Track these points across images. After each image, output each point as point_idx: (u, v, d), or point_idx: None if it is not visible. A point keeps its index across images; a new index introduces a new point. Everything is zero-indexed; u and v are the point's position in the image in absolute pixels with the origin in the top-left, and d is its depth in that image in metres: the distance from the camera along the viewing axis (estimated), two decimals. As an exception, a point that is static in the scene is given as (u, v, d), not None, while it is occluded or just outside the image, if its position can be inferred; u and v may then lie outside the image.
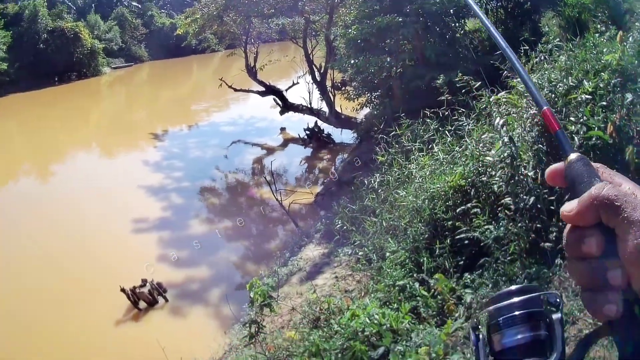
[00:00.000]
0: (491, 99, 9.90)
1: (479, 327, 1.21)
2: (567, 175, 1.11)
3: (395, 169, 11.76)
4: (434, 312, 7.49)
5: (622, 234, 0.96)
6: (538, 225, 7.55)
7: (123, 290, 13.47)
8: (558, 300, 1.11)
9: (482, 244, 7.95)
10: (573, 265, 1.05)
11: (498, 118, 8.82)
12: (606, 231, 1.00)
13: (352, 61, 18.82)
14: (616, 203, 0.97)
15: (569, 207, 1.04)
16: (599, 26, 12.15)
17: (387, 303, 7.96)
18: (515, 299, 1.14)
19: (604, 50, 9.62)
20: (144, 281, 13.93)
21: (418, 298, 7.82)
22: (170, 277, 15.12)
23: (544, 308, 1.13)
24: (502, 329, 1.13)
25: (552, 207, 7.55)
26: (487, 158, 8.70)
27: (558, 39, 11.08)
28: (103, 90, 61.83)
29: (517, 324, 1.12)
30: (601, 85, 8.59)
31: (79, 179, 26.89)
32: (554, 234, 7.28)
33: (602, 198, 0.99)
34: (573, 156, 1.10)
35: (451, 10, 18.10)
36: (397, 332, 6.81)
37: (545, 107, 1.21)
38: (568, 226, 1.06)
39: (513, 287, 1.18)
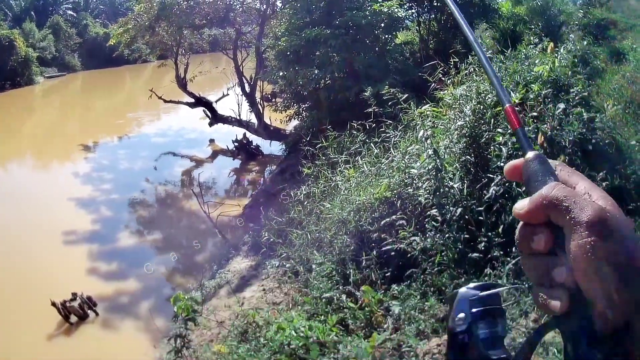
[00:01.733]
0: (417, 111, 9.93)
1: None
2: (523, 172, 1.13)
3: (321, 181, 11.74)
4: (362, 324, 7.45)
5: (568, 234, 0.99)
6: (466, 236, 7.62)
7: (54, 304, 13.13)
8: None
9: (409, 255, 7.94)
10: (524, 261, 1.08)
11: (422, 131, 8.82)
12: (555, 229, 1.02)
13: (282, 73, 18.80)
14: (564, 204, 1.00)
15: (521, 205, 1.06)
16: (532, 38, 12.26)
17: (315, 315, 7.93)
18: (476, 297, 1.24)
19: (536, 61, 9.89)
20: (74, 295, 13.65)
21: (345, 310, 7.80)
22: (100, 291, 14.78)
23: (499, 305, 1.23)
24: (460, 327, 1.22)
25: (481, 218, 7.63)
26: (413, 170, 8.73)
27: (490, 51, 11.16)
28: (36, 99, 60.95)
29: (478, 320, 1.20)
30: (531, 96, 8.78)
31: (8, 190, 26.17)
32: (483, 244, 7.35)
33: (551, 198, 1.02)
34: (530, 154, 1.13)
35: (382, 23, 18.17)
36: (325, 344, 6.73)
37: (507, 105, 1.22)
38: (520, 223, 1.08)
39: (475, 284, 1.28)
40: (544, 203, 1.02)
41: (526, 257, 1.07)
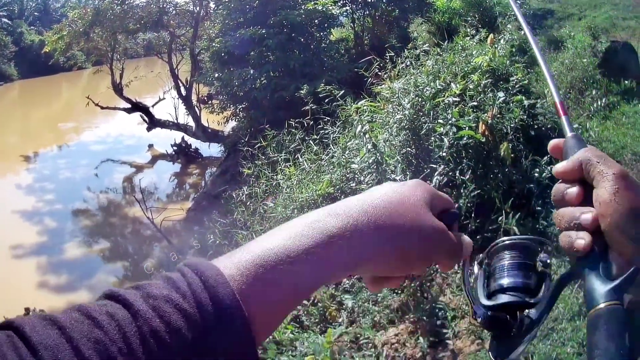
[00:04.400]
0: (353, 107, 9.96)
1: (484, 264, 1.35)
2: (563, 147, 1.30)
3: (262, 181, 11.71)
4: (317, 320, 7.38)
5: (597, 185, 1.14)
6: None
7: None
8: (549, 260, 1.26)
9: None
10: (557, 212, 1.21)
11: (360, 126, 8.82)
12: (586, 187, 1.18)
13: (217, 74, 18.86)
14: (596, 161, 1.16)
15: (560, 165, 1.23)
16: (469, 30, 12.35)
17: None
18: (513, 251, 1.30)
19: (474, 52, 10.13)
20: (27, 310, 13.42)
21: (298, 307, 7.66)
22: (52, 304, 14.43)
23: (536, 263, 1.27)
24: (497, 273, 1.28)
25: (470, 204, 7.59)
26: (354, 165, 8.75)
27: (427, 45, 11.20)
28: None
29: (511, 269, 1.26)
30: (471, 86, 8.89)
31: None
32: (474, 226, 7.32)
33: (586, 157, 1.18)
34: (570, 134, 1.31)
35: (316, 21, 18.38)
36: (281, 343, 6.66)
37: (558, 101, 1.45)
38: (558, 182, 1.24)
39: (513, 238, 1.32)
40: (580, 160, 1.18)
41: (559, 204, 1.22)
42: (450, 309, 6.62)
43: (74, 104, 49.70)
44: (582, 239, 1.10)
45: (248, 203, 11.62)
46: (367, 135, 8.51)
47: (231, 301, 0.82)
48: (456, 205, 1.24)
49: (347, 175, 8.98)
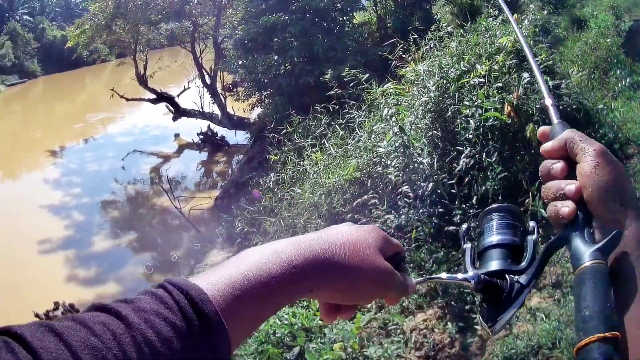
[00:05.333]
0: (378, 90, 9.91)
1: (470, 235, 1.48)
2: (550, 133, 1.39)
3: (289, 167, 11.74)
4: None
5: (579, 161, 1.24)
6: (440, 210, 7.67)
7: (37, 315, 12.91)
8: (535, 226, 1.36)
9: None
10: (544, 186, 1.31)
11: (386, 109, 8.77)
12: (569, 163, 1.28)
13: (241, 62, 18.72)
14: (579, 139, 1.27)
15: (548, 144, 1.34)
16: (491, 11, 12.23)
17: (297, 302, 7.81)
18: (500, 213, 1.41)
19: (497, 33, 9.86)
20: (57, 304, 13.45)
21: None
22: (81, 297, 14.51)
23: (522, 227, 1.38)
24: (486, 232, 1.39)
25: (453, 191, 7.64)
26: (380, 149, 8.72)
27: (450, 26, 11.12)
28: (-1, 108, 60.85)
29: (500, 228, 1.37)
30: (495, 67, 8.74)
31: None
32: (458, 217, 7.38)
33: (570, 136, 1.29)
34: (557, 121, 1.41)
35: (338, 5, 18.24)
36: (310, 330, 6.73)
37: (545, 90, 1.56)
38: (546, 160, 1.34)
39: (500, 205, 1.44)
40: (565, 139, 1.29)
41: (545, 177, 1.32)
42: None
43: (99, 97, 49.70)
44: (566, 207, 1.22)
45: (275, 190, 11.73)
46: (393, 119, 8.50)
47: (215, 318, 0.93)
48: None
49: (374, 160, 8.95)
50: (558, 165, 1.29)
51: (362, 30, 20.14)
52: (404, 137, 8.03)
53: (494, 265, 1.31)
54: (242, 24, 19.21)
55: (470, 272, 1.28)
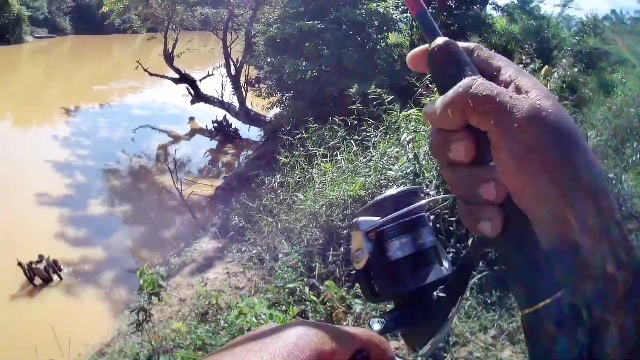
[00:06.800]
0: (401, 114, 9.86)
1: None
2: (430, 64, 0.94)
3: (296, 172, 11.74)
4: (322, 318, 7.41)
5: (495, 142, 0.79)
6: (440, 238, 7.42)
7: (20, 264, 13.19)
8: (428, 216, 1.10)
9: None
10: (444, 172, 0.88)
11: (406, 134, 8.77)
12: (478, 134, 0.82)
13: (269, 59, 18.72)
14: (486, 105, 0.79)
15: (431, 107, 0.86)
16: (524, 57, 12.25)
17: (276, 304, 7.95)
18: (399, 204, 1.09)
19: None
20: (41, 257, 13.64)
21: (307, 302, 7.77)
22: (66, 255, 14.80)
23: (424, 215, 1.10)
24: (391, 238, 1.08)
25: (451, 228, 7.59)
26: (390, 172, 8.72)
27: None
28: (23, 59, 60.64)
29: (401, 233, 1.07)
30: None
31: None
32: (450, 254, 7.04)
33: (468, 97, 0.80)
34: (439, 40, 0.92)
35: (375, 22, 18.29)
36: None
37: None
38: (435, 131, 0.88)
39: (393, 192, 1.13)
40: (460, 104, 0.81)
41: (446, 168, 0.87)
42: (454, 334, 6.64)
43: (123, 65, 49.87)
44: (487, 221, 0.82)
45: (279, 191, 11.63)
46: (410, 145, 8.52)
47: None
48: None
49: (381, 181, 8.93)
50: (458, 147, 0.83)
51: (394, 51, 20.12)
52: (417, 165, 8.09)
53: (409, 285, 1.05)
54: (277, 22, 19.18)
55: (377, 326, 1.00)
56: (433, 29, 0.95)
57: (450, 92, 0.82)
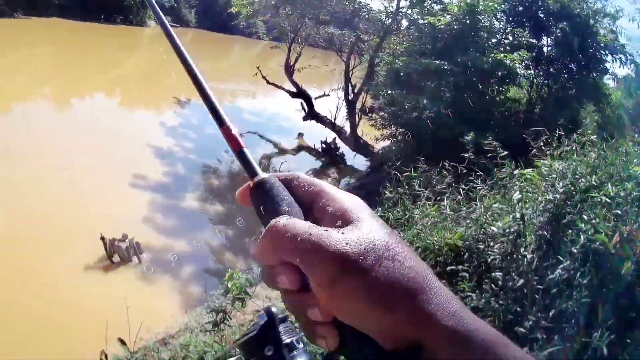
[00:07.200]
0: (516, 172, 9.78)
1: None
2: (251, 200, 1.05)
3: (398, 209, 11.55)
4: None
5: (306, 274, 0.90)
6: (518, 309, 7.45)
7: (103, 239, 13.53)
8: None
9: None
10: (282, 296, 0.98)
11: (517, 193, 8.68)
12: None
13: (390, 91, 18.86)
14: (289, 245, 0.89)
15: (255, 246, 0.96)
16: (636, 135, 12.06)
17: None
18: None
19: (634, 160, 9.47)
20: (125, 237, 13.96)
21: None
22: (149, 240, 15.13)
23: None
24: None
25: (537, 296, 7.44)
26: (492, 228, 8.60)
27: (594, 136, 10.96)
28: (144, 41, 62.10)
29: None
30: (622, 194, 8.39)
31: (90, 119, 26.97)
32: (530, 322, 7.11)
33: (273, 239, 0.92)
34: (257, 179, 1.04)
35: (499, 73, 18.08)
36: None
37: (226, 126, 1.15)
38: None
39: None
40: (269, 245, 0.92)
41: (282, 294, 0.97)
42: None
43: (240, 68, 50.50)
44: (322, 338, 0.92)
45: None
46: (519, 205, 8.41)
47: None
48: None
49: (480, 236, 8.91)
50: (282, 279, 0.93)
51: (511, 105, 20.17)
52: (521, 226, 8.02)
53: None
54: (404, 55, 19.21)
55: None
56: (252, 168, 1.06)
57: (263, 234, 0.94)
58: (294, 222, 0.92)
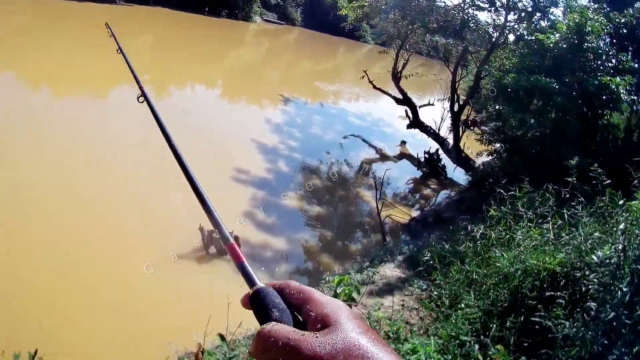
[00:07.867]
0: (622, 202, 9.48)
1: None
2: (251, 307, 1.20)
3: (500, 228, 11.58)
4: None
5: None
6: (606, 341, 7.30)
7: (201, 229, 13.84)
8: None
9: (549, 335, 7.78)
10: None
11: (623, 224, 8.51)
12: None
13: (497, 107, 18.73)
14: (273, 348, 1.03)
15: (251, 348, 1.10)
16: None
17: (443, 351, 7.99)
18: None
19: None
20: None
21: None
22: (247, 235, 15.32)
23: None
24: None
25: (624, 330, 7.23)
26: (593, 257, 8.39)
27: None
28: (248, 37, 62.54)
29: None
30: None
31: (194, 111, 27.30)
32: (615, 355, 7.02)
33: (262, 343, 1.06)
34: (252, 290, 1.21)
35: (604, 97, 17.66)
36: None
37: (231, 242, 1.42)
38: None
39: None
40: (259, 347, 1.06)
41: None
42: None
43: (344, 70, 50.65)
44: None
45: (478, 242, 11.66)
46: (623, 237, 8.20)
47: None
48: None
49: (578, 264, 8.80)
50: None
51: (612, 131, 19.73)
52: (622, 258, 7.87)
53: None
54: (513, 71, 18.96)
55: None
56: (251, 279, 1.25)
57: (254, 337, 1.08)
58: (277, 329, 1.06)
